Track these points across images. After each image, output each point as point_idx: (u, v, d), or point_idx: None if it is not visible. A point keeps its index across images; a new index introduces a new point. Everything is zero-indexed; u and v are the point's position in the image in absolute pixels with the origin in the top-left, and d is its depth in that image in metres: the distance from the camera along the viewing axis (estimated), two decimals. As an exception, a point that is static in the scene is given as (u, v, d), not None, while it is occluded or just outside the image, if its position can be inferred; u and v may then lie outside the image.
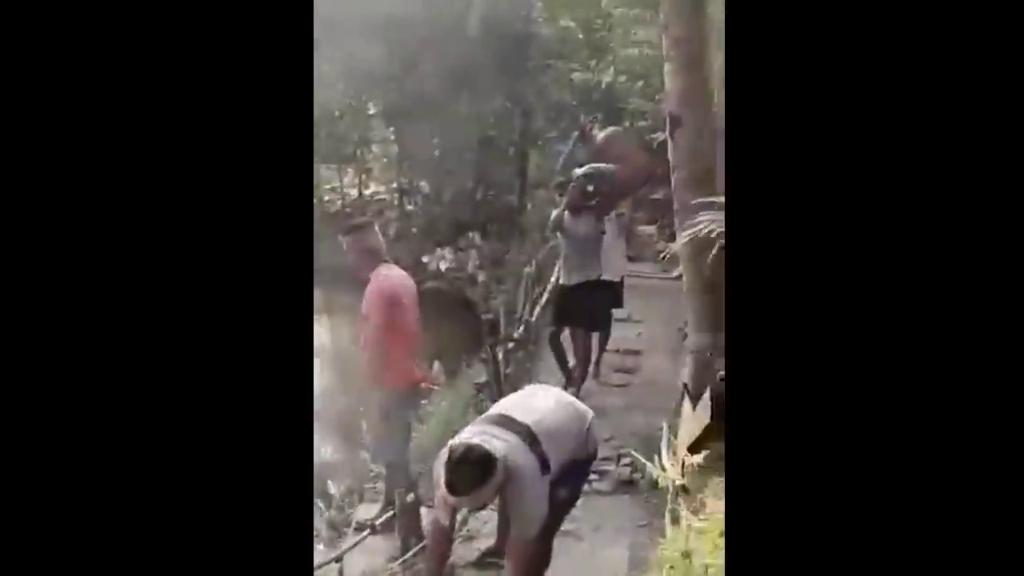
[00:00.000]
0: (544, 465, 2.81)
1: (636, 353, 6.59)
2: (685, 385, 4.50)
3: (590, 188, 5.37)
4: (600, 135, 6.59)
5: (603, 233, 5.54)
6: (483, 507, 3.16)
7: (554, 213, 5.68)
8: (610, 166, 5.71)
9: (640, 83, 8.03)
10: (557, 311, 5.85)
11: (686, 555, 2.55)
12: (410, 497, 3.92)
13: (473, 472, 2.61)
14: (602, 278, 5.59)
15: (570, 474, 3.02)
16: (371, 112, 13.04)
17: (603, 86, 8.49)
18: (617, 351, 6.46)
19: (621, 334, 6.60)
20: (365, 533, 4.12)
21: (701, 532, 2.65)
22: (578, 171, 5.63)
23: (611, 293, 5.79)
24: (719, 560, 2.45)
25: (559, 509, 3.04)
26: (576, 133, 6.73)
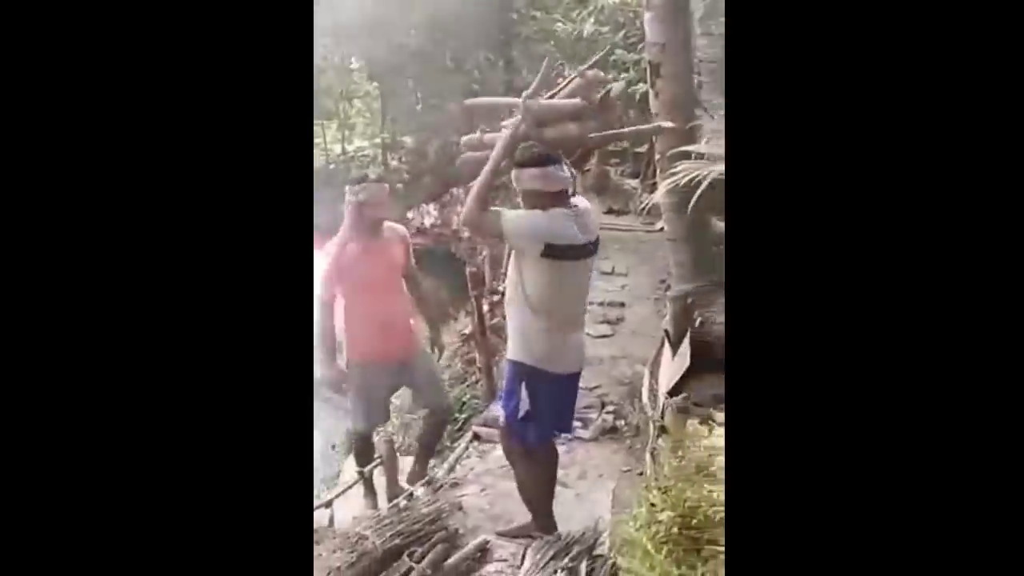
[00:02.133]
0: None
1: (620, 305, 6.67)
2: (666, 331, 4.58)
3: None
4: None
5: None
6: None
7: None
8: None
9: (622, 33, 7.97)
10: None
11: (665, 491, 2.63)
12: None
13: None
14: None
15: None
16: (353, 66, 12.89)
17: (584, 36, 8.43)
18: (601, 303, 6.54)
19: (604, 286, 6.68)
20: (354, 480, 4.21)
21: (679, 468, 2.74)
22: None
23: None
24: (697, 493, 2.54)
25: None
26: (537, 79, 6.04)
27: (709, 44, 5.33)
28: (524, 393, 3.09)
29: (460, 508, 3.83)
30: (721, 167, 3.67)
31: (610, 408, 4.73)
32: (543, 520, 3.36)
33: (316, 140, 13.24)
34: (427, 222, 11.93)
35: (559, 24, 9.03)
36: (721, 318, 4.09)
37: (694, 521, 2.47)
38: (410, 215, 11.91)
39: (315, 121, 13.65)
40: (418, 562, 3.20)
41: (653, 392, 4.35)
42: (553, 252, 2.91)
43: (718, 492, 2.49)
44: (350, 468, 4.66)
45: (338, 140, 13.36)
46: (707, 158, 3.87)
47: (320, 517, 3.97)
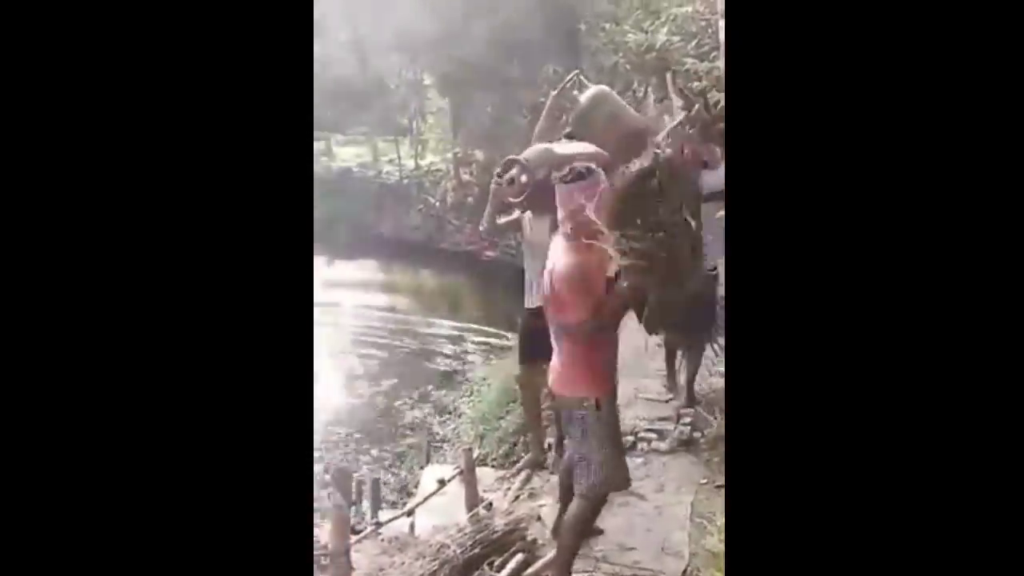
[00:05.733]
0: None
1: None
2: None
3: (524, 179, 3.64)
4: (583, 97, 4.14)
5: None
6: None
7: (485, 213, 4.26)
8: (552, 147, 3.78)
9: (694, 42, 7.90)
10: (520, 346, 4.49)
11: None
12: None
13: None
14: None
15: None
16: (426, 83, 13.14)
17: (656, 47, 8.39)
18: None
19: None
20: (435, 489, 4.28)
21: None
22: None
23: None
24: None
25: None
26: (552, 94, 4.48)
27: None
28: None
29: (538, 518, 3.86)
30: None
31: (687, 420, 4.69)
32: None
33: (391, 156, 13.54)
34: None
35: (630, 35, 9.01)
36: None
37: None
38: (482, 227, 12.02)
39: (389, 138, 13.99)
40: (498, 571, 3.25)
41: (731, 404, 4.30)
42: None
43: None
44: (430, 477, 4.75)
45: (411, 156, 13.59)
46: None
47: (401, 525, 4.06)
